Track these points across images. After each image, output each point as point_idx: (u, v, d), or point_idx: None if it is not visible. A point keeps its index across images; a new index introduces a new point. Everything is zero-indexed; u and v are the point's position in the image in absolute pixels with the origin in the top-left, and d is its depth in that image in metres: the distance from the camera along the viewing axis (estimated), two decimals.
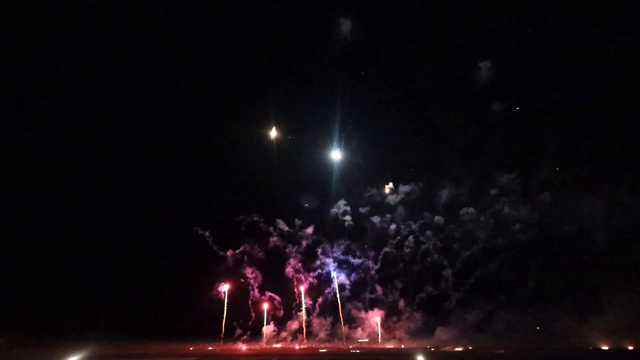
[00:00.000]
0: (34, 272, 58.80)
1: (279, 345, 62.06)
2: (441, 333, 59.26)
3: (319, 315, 64.49)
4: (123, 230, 65.02)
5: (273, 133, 67.69)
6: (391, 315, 63.07)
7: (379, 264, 65.80)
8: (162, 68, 66.11)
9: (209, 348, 61.85)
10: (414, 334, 60.66)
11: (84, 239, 63.26)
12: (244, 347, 61.17)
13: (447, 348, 55.85)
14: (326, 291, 65.56)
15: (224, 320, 63.11)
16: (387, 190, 69.71)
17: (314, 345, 61.42)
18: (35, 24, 58.33)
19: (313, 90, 72.22)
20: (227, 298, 64.27)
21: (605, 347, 51.80)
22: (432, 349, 55.71)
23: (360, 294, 65.32)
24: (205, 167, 69.43)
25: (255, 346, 61.79)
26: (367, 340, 61.66)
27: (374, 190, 70.10)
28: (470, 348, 55.29)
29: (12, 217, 59.84)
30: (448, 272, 63.10)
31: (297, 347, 61.10)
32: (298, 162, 70.80)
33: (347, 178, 71.25)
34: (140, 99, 67.66)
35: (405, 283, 64.63)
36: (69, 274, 60.38)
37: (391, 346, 59.42)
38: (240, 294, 65.01)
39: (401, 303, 63.23)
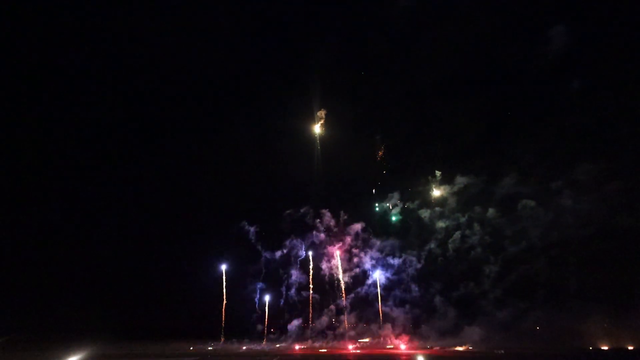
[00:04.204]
0: (34, 273, 58.75)
1: (279, 345, 62.16)
2: (469, 332, 56.64)
3: (349, 312, 62.77)
4: (143, 230, 66.43)
5: (318, 128, 66.12)
6: (423, 313, 60.27)
7: (421, 263, 61.72)
8: (206, 66, 66.84)
9: (209, 348, 61.97)
10: (441, 334, 57.98)
11: (86, 240, 63.43)
12: (243, 347, 61.33)
13: (453, 348, 55.74)
14: (359, 289, 63.11)
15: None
16: (437, 183, 64.60)
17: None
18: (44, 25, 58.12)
19: (360, 81, 70.14)
20: (260, 296, 64.22)
21: (605, 347, 51.78)
22: (433, 348, 55.83)
23: (395, 292, 62.25)
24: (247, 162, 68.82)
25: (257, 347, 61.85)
26: (368, 340, 61.42)
27: (428, 183, 64.99)
28: (470, 348, 55.24)
29: (13, 217, 59.83)
30: (491, 269, 58.41)
31: (297, 347, 61.14)
32: (345, 155, 67.65)
33: (397, 170, 67.42)
34: (188, 97, 69.59)
35: (444, 281, 60.58)
36: (69, 274, 60.44)
37: (391, 346, 59.32)
38: (274, 293, 64.86)
39: (435, 301, 59.81)
